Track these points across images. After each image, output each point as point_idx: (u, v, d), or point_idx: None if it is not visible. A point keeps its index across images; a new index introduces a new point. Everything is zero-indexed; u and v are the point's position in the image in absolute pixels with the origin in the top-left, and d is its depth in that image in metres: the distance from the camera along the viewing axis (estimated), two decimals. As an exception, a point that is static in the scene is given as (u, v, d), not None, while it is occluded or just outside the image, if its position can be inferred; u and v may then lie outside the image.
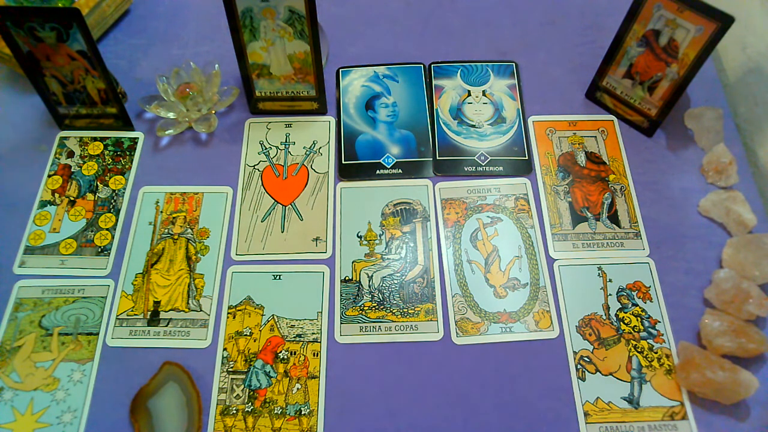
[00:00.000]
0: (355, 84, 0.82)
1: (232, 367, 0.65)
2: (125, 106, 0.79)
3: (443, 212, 0.73)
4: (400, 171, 0.76)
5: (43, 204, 0.74)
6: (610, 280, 0.69)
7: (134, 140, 0.79)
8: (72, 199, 0.74)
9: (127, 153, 0.78)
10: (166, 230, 0.72)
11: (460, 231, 0.72)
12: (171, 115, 0.77)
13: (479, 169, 0.76)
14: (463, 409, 0.63)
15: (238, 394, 0.63)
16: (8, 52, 0.72)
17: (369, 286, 0.69)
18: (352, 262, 0.70)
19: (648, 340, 0.66)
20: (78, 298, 0.68)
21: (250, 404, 0.63)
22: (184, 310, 0.68)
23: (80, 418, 0.62)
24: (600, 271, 0.70)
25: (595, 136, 0.78)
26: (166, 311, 0.68)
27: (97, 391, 0.64)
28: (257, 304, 0.68)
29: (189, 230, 0.72)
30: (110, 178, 0.76)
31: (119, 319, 0.67)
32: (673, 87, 0.73)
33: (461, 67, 0.84)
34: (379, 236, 0.72)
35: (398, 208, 0.74)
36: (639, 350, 0.65)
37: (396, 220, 0.73)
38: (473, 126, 0.79)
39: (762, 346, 0.62)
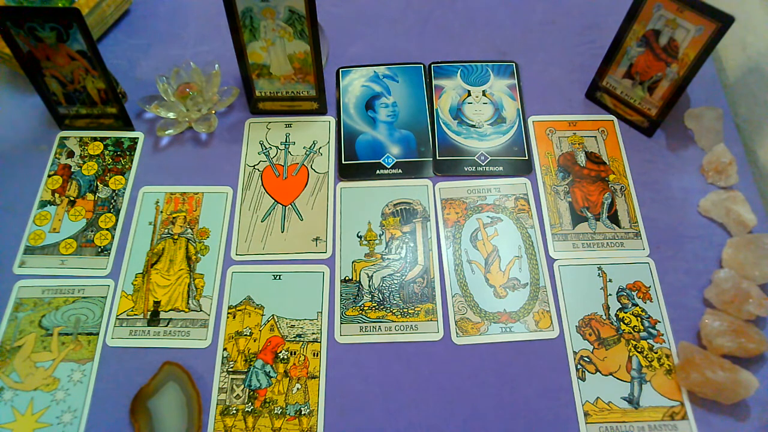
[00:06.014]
0: (355, 84, 0.83)
1: (232, 367, 0.65)
2: (125, 106, 0.79)
3: (443, 212, 0.73)
4: (400, 171, 0.76)
5: (43, 204, 0.74)
6: (610, 280, 0.69)
7: (134, 140, 0.79)
8: (72, 199, 0.74)
9: (127, 153, 0.78)
10: (166, 230, 0.72)
11: (460, 231, 0.72)
12: (171, 115, 0.77)
13: (479, 169, 0.76)
14: (463, 409, 0.63)
15: (238, 394, 0.63)
16: (8, 52, 0.72)
17: (369, 286, 0.69)
18: (352, 262, 0.70)
19: (648, 340, 0.66)
20: (78, 298, 0.68)
21: (250, 404, 0.63)
22: (184, 310, 0.68)
23: (80, 418, 0.62)
24: (600, 271, 0.70)
25: (595, 136, 0.78)
26: (166, 311, 0.68)
27: (97, 391, 0.64)
28: (257, 304, 0.68)
29: (189, 230, 0.72)
30: (110, 178, 0.76)
31: (119, 319, 0.67)
32: (673, 87, 0.73)
33: (461, 67, 0.84)
34: (379, 236, 0.72)
35: (398, 208, 0.74)
36: (639, 350, 0.65)
37: (396, 220, 0.73)
38: (473, 126, 0.79)
39: (762, 346, 0.62)
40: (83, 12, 0.79)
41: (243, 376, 0.64)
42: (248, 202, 0.74)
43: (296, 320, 0.67)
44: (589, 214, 0.73)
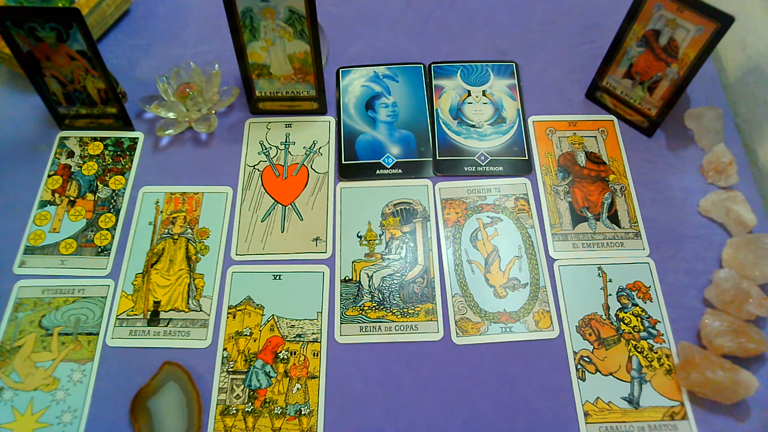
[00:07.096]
0: (355, 84, 0.83)
1: (232, 367, 0.65)
2: (125, 106, 0.79)
3: (443, 212, 0.73)
4: (400, 171, 0.76)
5: (43, 204, 0.74)
6: (610, 280, 0.69)
7: (134, 140, 0.79)
8: (72, 199, 0.74)
9: (127, 153, 0.78)
10: (166, 230, 0.72)
11: (460, 231, 0.72)
12: (171, 115, 0.77)
13: (479, 169, 0.76)
14: (463, 409, 0.63)
15: (238, 394, 0.63)
16: (8, 52, 0.72)
17: (369, 286, 0.69)
18: (352, 262, 0.70)
19: (648, 340, 0.66)
20: (78, 298, 0.68)
21: (250, 404, 0.63)
22: (184, 310, 0.68)
23: (80, 418, 0.62)
24: (600, 271, 0.70)
25: (595, 136, 0.78)
26: (166, 311, 0.68)
27: (97, 391, 0.64)
28: (257, 304, 0.68)
29: (189, 230, 0.72)
30: (110, 178, 0.76)
31: (119, 319, 0.67)
32: (673, 87, 0.73)
33: (461, 67, 0.84)
34: (379, 236, 0.72)
35: (398, 208, 0.74)
36: (639, 350, 0.65)
37: (396, 220, 0.73)
38: (473, 126, 0.79)
39: (762, 346, 0.62)
40: (83, 12, 0.79)
41: (243, 376, 0.64)
42: (248, 202, 0.74)
43: (296, 320, 0.67)
44: (589, 214, 0.73)
